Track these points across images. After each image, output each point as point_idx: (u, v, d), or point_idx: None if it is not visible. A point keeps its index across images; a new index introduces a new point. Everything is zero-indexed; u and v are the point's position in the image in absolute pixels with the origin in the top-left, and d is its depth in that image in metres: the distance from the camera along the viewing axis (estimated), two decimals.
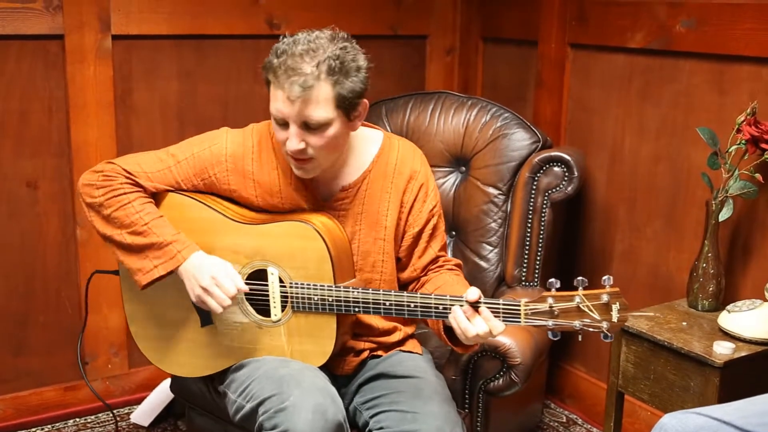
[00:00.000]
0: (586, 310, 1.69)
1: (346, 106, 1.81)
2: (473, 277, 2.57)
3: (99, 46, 2.64)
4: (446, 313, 1.78)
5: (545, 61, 2.90)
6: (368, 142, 2.02)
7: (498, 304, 1.74)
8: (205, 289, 1.86)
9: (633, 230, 2.70)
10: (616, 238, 2.75)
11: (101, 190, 1.93)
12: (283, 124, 1.82)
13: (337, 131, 1.83)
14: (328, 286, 1.86)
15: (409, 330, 2.10)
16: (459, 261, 2.11)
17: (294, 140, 1.81)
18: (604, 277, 1.69)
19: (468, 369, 2.21)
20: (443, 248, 2.08)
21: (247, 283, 1.92)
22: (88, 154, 2.68)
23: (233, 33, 2.85)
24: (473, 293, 1.75)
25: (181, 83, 2.83)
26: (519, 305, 1.72)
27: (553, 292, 1.71)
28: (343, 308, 1.87)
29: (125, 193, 1.92)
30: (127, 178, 1.94)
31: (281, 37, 1.84)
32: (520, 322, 1.73)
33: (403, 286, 2.06)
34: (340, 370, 2.00)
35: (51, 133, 2.66)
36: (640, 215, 2.67)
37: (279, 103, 1.79)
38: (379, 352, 2.03)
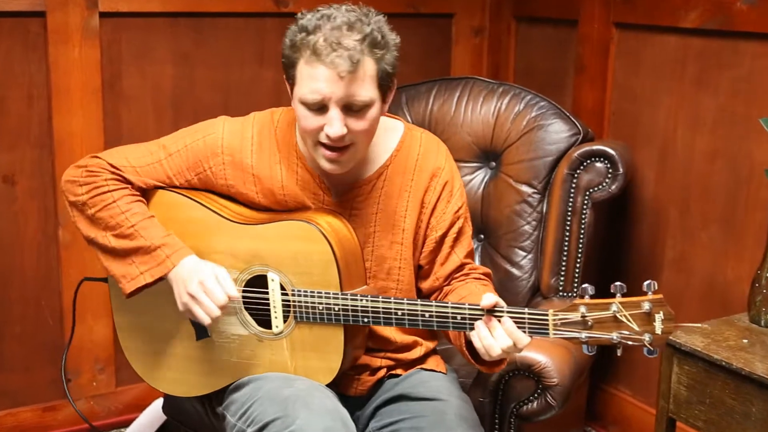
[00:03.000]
0: (623, 320, 1.66)
1: (385, 84, 1.84)
2: (504, 286, 2.57)
3: (85, 24, 2.64)
4: (464, 323, 1.78)
5: (587, 43, 2.89)
6: (387, 133, 2.01)
7: (522, 313, 1.73)
8: (192, 296, 1.86)
9: (686, 235, 2.68)
10: (667, 243, 2.74)
11: (84, 187, 1.93)
12: (319, 108, 1.80)
13: (376, 113, 1.84)
14: (334, 294, 1.86)
15: (431, 345, 2.09)
16: (488, 270, 2.10)
17: (338, 124, 1.79)
18: (646, 282, 1.66)
19: (498, 390, 2.20)
20: (469, 255, 2.07)
21: (244, 291, 1.92)
22: (71, 146, 2.68)
23: (235, 11, 2.85)
24: (489, 299, 1.74)
25: (177, 67, 2.83)
26: (546, 315, 1.71)
27: (587, 299, 1.69)
28: (350, 318, 1.86)
29: (110, 191, 1.92)
30: (113, 173, 1.94)
31: (299, 15, 1.83)
32: (548, 334, 1.72)
33: (425, 297, 2.05)
34: (354, 391, 1.99)
35: (31, 123, 2.66)
36: (694, 218, 2.65)
37: (319, 82, 1.77)
38: (398, 371, 2.03)
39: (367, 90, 1.79)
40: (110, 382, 2.89)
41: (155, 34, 2.77)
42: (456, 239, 2.03)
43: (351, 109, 1.80)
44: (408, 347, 2.04)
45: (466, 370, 2.28)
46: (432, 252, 2.02)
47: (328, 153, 1.84)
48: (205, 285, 1.84)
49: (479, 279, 2.04)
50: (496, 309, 1.74)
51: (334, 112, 1.79)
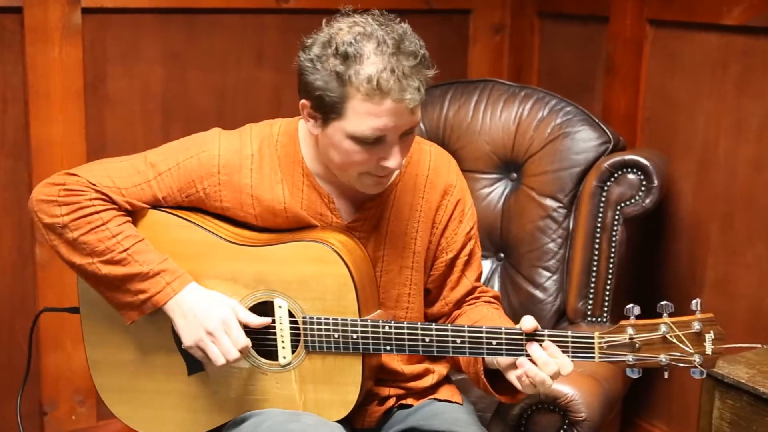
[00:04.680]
0: (674, 341, 1.72)
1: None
2: (526, 310, 2.56)
3: (66, 21, 2.65)
4: (500, 348, 1.79)
5: (618, 41, 2.90)
6: None
7: (566, 336, 1.77)
8: (210, 334, 1.85)
9: (728, 254, 2.67)
10: (707, 263, 2.73)
11: (65, 207, 1.89)
12: (373, 142, 1.78)
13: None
14: (352, 321, 1.85)
15: (444, 371, 2.09)
16: (497, 293, 2.12)
17: (400, 156, 1.80)
18: (694, 301, 1.72)
19: (520, 425, 2.19)
20: (479, 279, 2.09)
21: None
22: (51, 156, 2.69)
23: (231, 6, 2.86)
24: (529, 322, 1.77)
25: (167, 68, 2.84)
26: (592, 338, 1.76)
27: (633, 320, 1.74)
28: (371, 347, 1.86)
29: (97, 213, 1.89)
30: (97, 192, 1.90)
31: (316, 37, 1.78)
32: (594, 358, 1.76)
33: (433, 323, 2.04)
34: (361, 423, 1.99)
35: (5, 130, 2.67)
36: (738, 235, 2.64)
37: (384, 118, 1.74)
38: (409, 401, 2.03)
39: (420, 113, 1.81)
40: (91, 416, 2.88)
41: (143, 32, 2.78)
42: (467, 262, 2.04)
43: (404, 134, 1.81)
44: (419, 376, 2.04)
45: (484, 403, 2.27)
46: (441, 276, 2.03)
47: (377, 179, 1.85)
48: (228, 325, 1.85)
49: (490, 302, 2.06)
50: (537, 333, 1.77)
51: (396, 146, 1.79)
